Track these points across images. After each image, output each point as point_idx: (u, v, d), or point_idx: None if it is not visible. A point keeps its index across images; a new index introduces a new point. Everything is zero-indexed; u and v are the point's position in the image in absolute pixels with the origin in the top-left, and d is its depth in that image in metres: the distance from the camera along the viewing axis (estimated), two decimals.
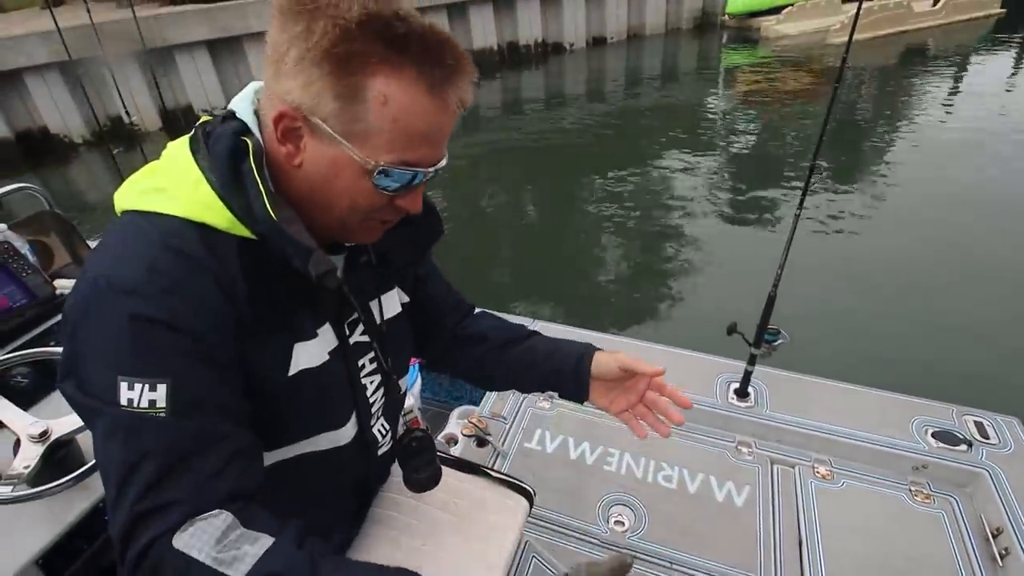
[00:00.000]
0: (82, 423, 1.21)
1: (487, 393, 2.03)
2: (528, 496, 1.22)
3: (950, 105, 8.43)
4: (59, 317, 1.51)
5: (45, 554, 1.20)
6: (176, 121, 9.15)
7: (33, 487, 1.14)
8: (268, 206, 0.60)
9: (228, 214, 0.62)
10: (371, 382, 0.84)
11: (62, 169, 8.85)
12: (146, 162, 0.69)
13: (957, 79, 9.62)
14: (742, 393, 1.89)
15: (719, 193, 6.30)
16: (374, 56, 0.57)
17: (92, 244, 1.74)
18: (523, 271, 5.36)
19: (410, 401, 1.89)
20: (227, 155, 0.62)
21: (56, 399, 1.36)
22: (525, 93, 11.11)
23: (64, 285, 1.52)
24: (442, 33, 0.60)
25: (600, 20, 12.75)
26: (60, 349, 1.42)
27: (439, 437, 1.86)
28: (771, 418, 1.82)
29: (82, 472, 1.18)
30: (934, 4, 12.68)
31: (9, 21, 10.94)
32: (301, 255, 0.62)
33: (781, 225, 5.38)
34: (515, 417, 1.93)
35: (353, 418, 0.81)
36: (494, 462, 1.78)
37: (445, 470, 1.26)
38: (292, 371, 0.69)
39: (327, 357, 0.73)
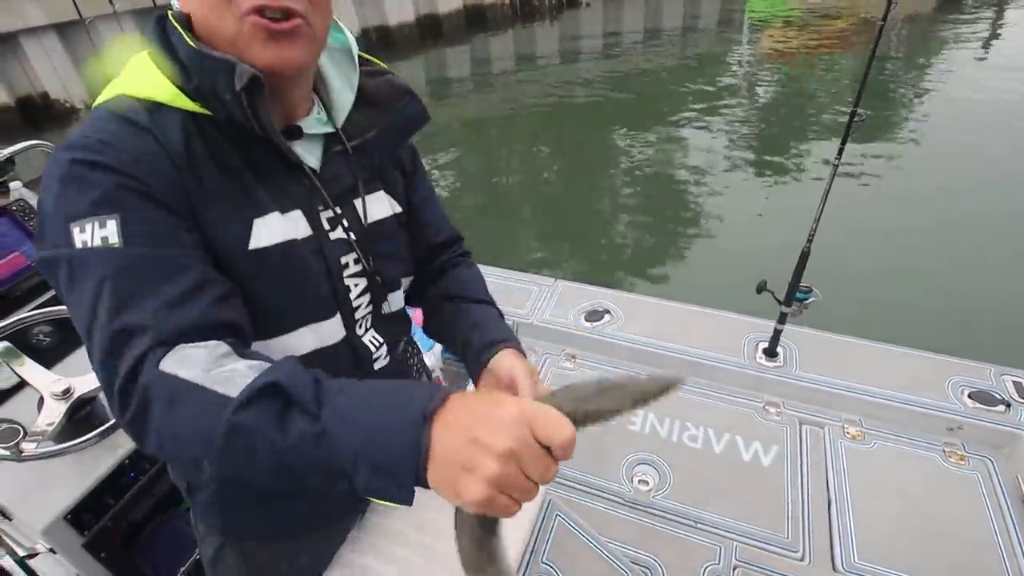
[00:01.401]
0: None
1: None
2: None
3: (988, 54, 8.09)
4: None
5: (72, 509, 1.24)
6: None
7: (58, 444, 1.16)
8: (188, 38, 0.63)
9: (171, 87, 0.65)
10: (355, 284, 0.81)
11: (64, 132, 8.89)
12: None
13: (996, 26, 9.20)
14: (771, 353, 1.88)
15: (746, 147, 6.16)
16: None
17: None
18: (543, 229, 5.33)
19: (431, 361, 1.92)
20: (154, 28, 0.66)
21: (78, 356, 1.39)
22: (539, 48, 10.85)
23: None
24: None
25: None
26: None
27: None
28: (800, 378, 1.82)
29: (106, 428, 1.21)
30: None
31: None
32: (224, 69, 0.61)
33: (812, 179, 5.27)
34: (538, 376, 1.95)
35: (338, 316, 0.79)
36: None
37: None
38: (252, 245, 0.68)
39: (296, 238, 0.72)
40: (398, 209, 0.87)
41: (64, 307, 1.39)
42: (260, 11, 0.61)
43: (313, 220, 0.74)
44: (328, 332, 0.78)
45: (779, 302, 1.77)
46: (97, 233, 0.58)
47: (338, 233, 0.77)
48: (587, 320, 2.08)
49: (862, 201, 4.81)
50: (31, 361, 1.26)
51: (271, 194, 0.70)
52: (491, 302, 0.96)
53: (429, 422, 0.46)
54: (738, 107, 7.29)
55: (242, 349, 0.58)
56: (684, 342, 1.96)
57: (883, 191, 5.01)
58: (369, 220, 0.81)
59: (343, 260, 0.79)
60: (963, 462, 1.61)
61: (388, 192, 0.85)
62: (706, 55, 9.58)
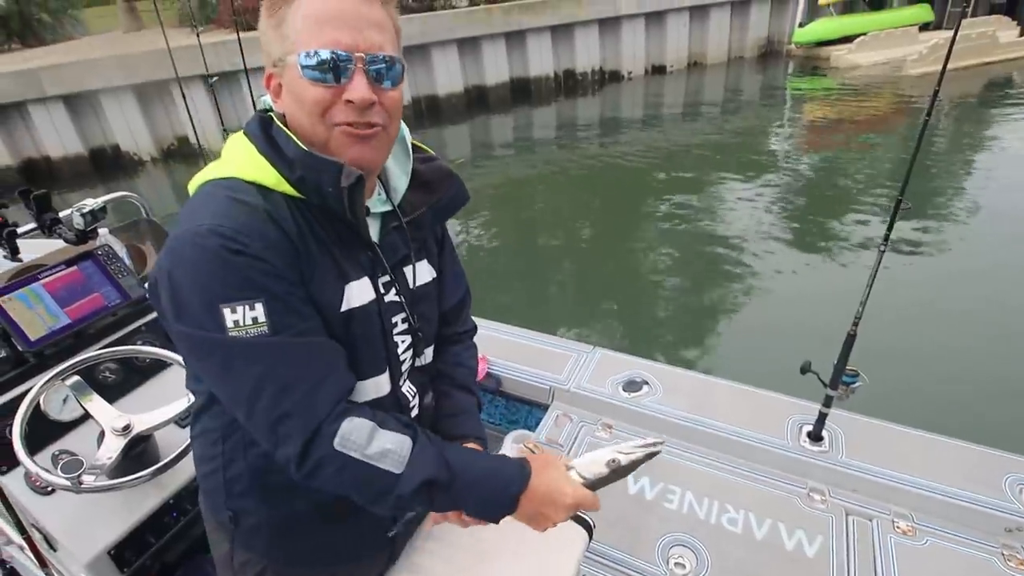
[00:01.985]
0: (161, 419, 1.33)
1: (544, 418, 2.05)
2: (588, 528, 1.23)
3: None
4: (148, 318, 1.66)
5: (116, 544, 1.29)
6: None
7: (112, 479, 1.24)
8: (297, 141, 0.77)
9: (275, 173, 0.78)
10: (402, 340, 0.94)
11: (131, 183, 9.55)
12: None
13: None
14: (816, 437, 1.84)
15: (788, 225, 6.19)
16: None
17: None
18: (582, 295, 5.38)
19: None
20: (258, 126, 0.81)
21: (138, 395, 1.48)
22: (581, 120, 11.32)
23: None
24: None
25: (660, 48, 12.93)
26: (148, 348, 1.55)
27: None
28: (847, 465, 1.77)
29: (157, 468, 1.28)
30: (1021, 34, 12.26)
31: (93, 43, 12.07)
32: (331, 171, 0.75)
33: (857, 259, 5.23)
34: (572, 445, 1.94)
35: (387, 370, 0.91)
36: None
37: None
38: (344, 307, 0.81)
39: (366, 302, 0.85)
40: (435, 275, 1.02)
41: (132, 348, 1.50)
42: (351, 123, 0.77)
43: (375, 285, 0.87)
44: (380, 384, 0.90)
45: (824, 384, 1.76)
46: (248, 315, 0.71)
47: (391, 296, 0.91)
48: (625, 390, 2.08)
49: (911, 283, 4.74)
50: (97, 396, 1.35)
51: (350, 265, 0.83)
52: (474, 392, 1.11)
53: (517, 501, 0.84)
54: (779, 184, 7.38)
55: (380, 418, 0.81)
56: (724, 419, 1.94)
57: (933, 273, 4.94)
58: (417, 284, 0.95)
59: (394, 319, 0.92)
60: (1023, 568, 1.52)
61: (429, 261, 1.00)
62: (746, 131, 9.81)
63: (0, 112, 9.24)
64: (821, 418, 1.82)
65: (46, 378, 1.34)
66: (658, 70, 13.16)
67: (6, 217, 1.47)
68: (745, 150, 8.73)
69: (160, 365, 1.57)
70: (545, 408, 2.12)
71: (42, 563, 1.18)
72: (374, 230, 0.89)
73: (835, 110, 10.42)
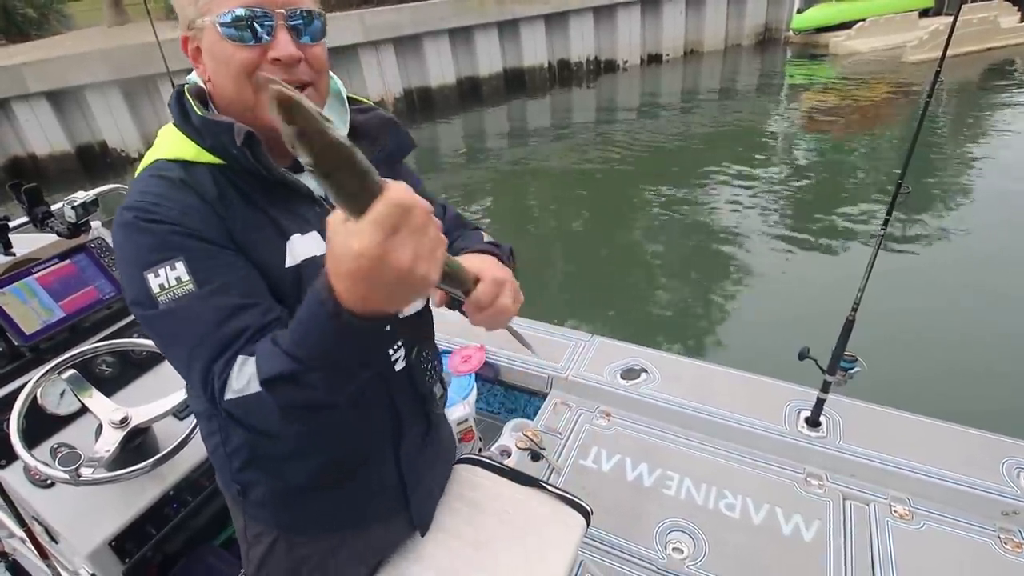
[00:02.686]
0: (159, 412, 1.35)
1: (542, 407, 2.08)
2: (585, 514, 1.26)
3: None
4: None
5: (117, 536, 1.32)
6: None
7: (111, 471, 1.26)
8: (196, 108, 0.79)
9: (193, 146, 0.80)
10: None
11: (120, 179, 9.52)
12: None
13: None
14: (813, 422, 1.87)
15: (788, 212, 6.23)
16: None
17: None
18: (579, 284, 5.42)
19: (465, 411, 1.97)
20: (174, 101, 0.83)
21: (136, 387, 1.50)
22: (576, 111, 11.31)
23: None
24: None
25: (656, 37, 12.92)
26: (143, 340, 1.57)
27: (493, 448, 1.92)
28: (844, 450, 1.80)
29: (157, 459, 1.30)
30: (1023, 19, 12.29)
31: (79, 37, 11.98)
32: (226, 131, 0.76)
33: (855, 246, 5.27)
34: (570, 433, 1.97)
35: None
36: (548, 477, 1.82)
37: (501, 481, 1.32)
38: (289, 263, 0.81)
39: (317, 255, 0.83)
40: None
41: (127, 341, 1.52)
42: None
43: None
44: None
45: (822, 370, 1.78)
46: (170, 275, 0.72)
47: None
48: (623, 378, 2.11)
49: (910, 268, 4.78)
50: (94, 389, 1.37)
51: (292, 221, 0.83)
52: (480, 230, 1.10)
53: (332, 292, 0.58)
54: (778, 172, 7.41)
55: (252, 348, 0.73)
56: (722, 406, 1.97)
57: (933, 258, 4.98)
58: None
59: None
60: (1020, 550, 1.55)
61: None
62: (744, 119, 9.84)
63: None
64: (819, 404, 1.85)
65: (42, 372, 1.36)
66: (654, 59, 13.16)
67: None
68: (743, 139, 8.75)
69: (157, 357, 1.58)
70: (544, 397, 2.15)
71: (43, 555, 1.21)
72: (318, 184, 0.88)
73: (834, 97, 10.45)
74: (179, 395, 1.35)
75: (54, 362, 1.39)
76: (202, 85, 0.85)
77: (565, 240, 6.33)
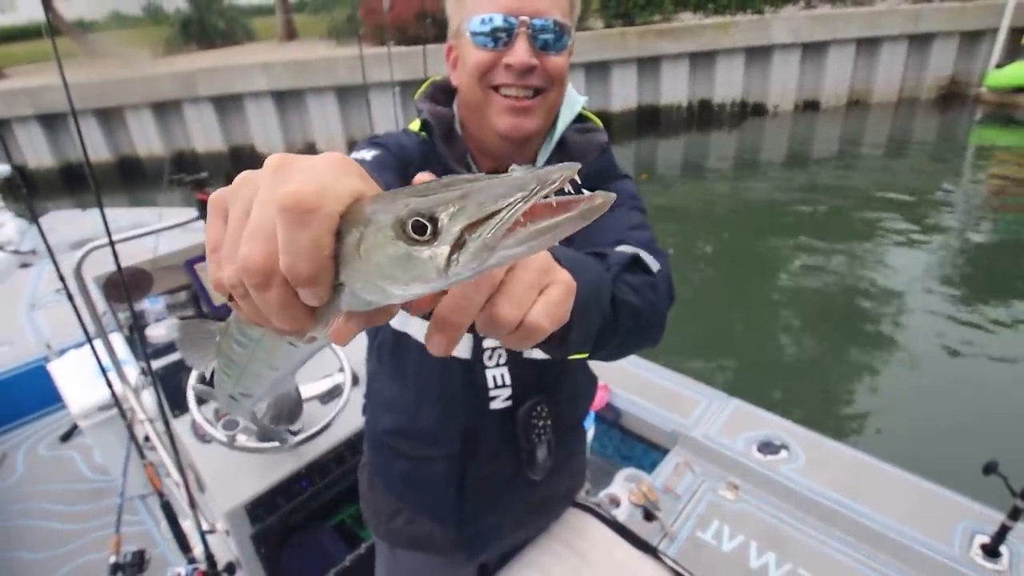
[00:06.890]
0: (314, 393, 1.58)
1: (661, 464, 2.03)
2: None
3: None
4: None
5: (253, 501, 1.49)
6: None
7: (261, 442, 1.45)
8: (418, 97, 1.00)
9: (418, 124, 1.00)
10: None
11: None
12: None
13: None
14: (992, 552, 1.66)
15: (965, 296, 5.63)
16: None
17: None
18: (712, 336, 5.22)
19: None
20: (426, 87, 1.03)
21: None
22: (713, 155, 11.10)
23: None
24: None
25: (816, 82, 12.41)
26: None
27: (602, 494, 1.89)
28: None
29: (303, 438, 1.48)
30: None
31: (244, 51, 13.80)
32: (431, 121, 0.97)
33: None
34: (691, 498, 1.90)
35: (468, 338, 0.93)
36: (660, 542, 1.76)
37: (615, 539, 1.30)
38: None
39: None
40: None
41: None
42: (510, 86, 0.87)
43: None
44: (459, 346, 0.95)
45: (1012, 492, 1.58)
46: (364, 153, 0.89)
47: None
48: (760, 451, 2.00)
49: None
50: None
51: None
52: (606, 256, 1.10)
53: None
54: (953, 249, 6.75)
55: None
56: (877, 508, 1.80)
57: None
58: None
59: None
60: None
61: None
62: (914, 180, 9.10)
63: (160, 109, 10.88)
64: (1002, 531, 1.64)
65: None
66: (810, 106, 12.61)
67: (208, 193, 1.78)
68: (910, 203, 8.08)
69: None
70: (664, 451, 2.10)
71: (191, 503, 1.40)
72: None
73: None
74: (333, 380, 1.52)
75: None
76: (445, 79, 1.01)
77: (695, 287, 6.14)
